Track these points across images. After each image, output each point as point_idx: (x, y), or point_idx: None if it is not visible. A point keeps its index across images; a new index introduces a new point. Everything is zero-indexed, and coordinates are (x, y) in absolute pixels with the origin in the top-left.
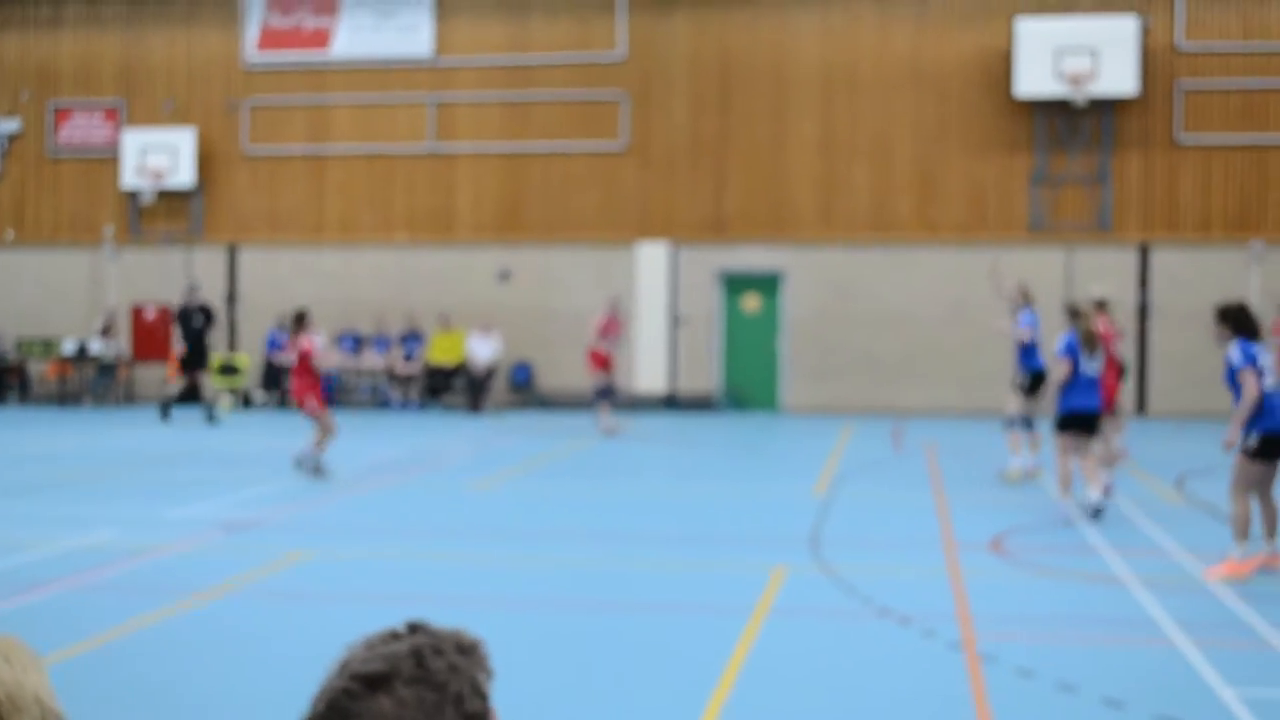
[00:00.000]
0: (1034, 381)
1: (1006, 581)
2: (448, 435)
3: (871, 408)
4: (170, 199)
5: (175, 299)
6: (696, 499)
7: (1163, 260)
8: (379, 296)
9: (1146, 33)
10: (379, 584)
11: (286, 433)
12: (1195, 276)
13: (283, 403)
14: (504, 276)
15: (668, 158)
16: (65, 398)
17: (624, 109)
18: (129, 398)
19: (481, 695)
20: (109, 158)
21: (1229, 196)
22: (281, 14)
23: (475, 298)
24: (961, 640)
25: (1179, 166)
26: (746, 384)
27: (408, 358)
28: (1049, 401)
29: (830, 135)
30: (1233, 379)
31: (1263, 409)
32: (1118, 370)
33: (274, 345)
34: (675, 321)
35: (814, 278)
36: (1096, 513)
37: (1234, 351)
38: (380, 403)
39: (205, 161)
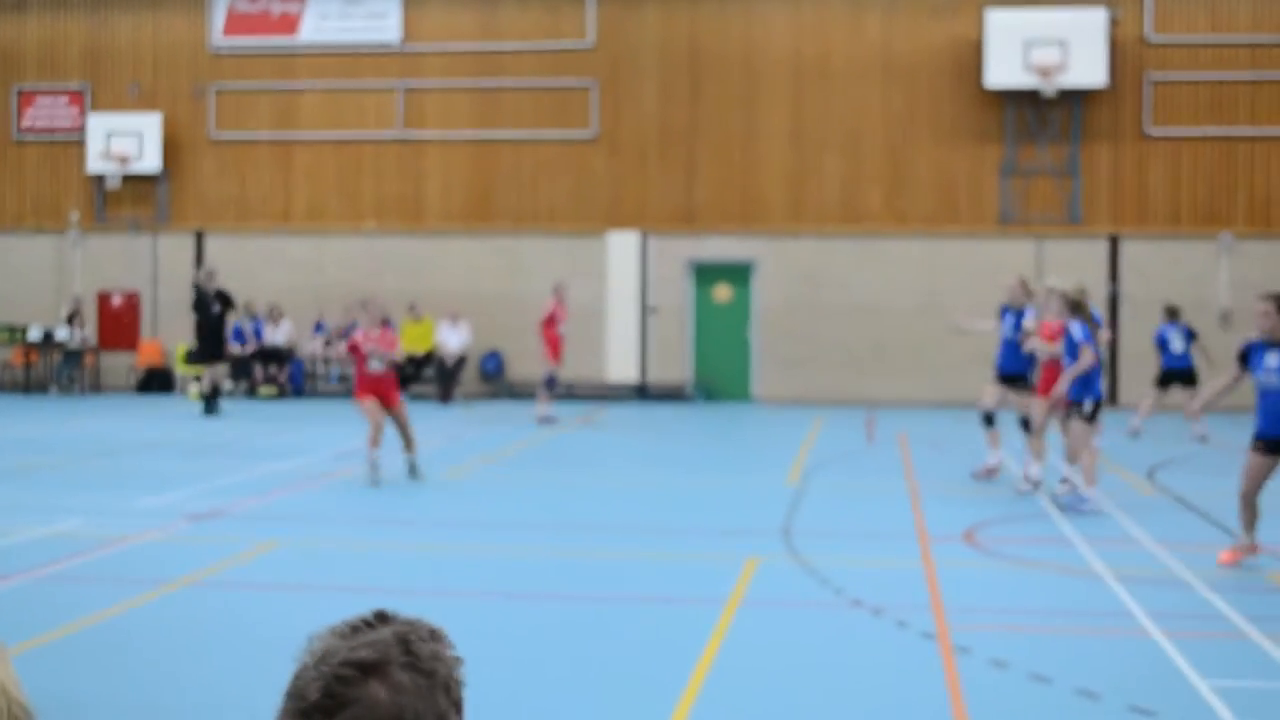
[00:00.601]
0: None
1: (980, 573)
2: (417, 424)
3: (843, 398)
4: (136, 185)
5: (184, 284)
6: (668, 490)
7: (1132, 252)
8: (348, 285)
9: (1115, 24)
10: (348, 575)
11: (254, 422)
12: (1165, 268)
13: (251, 392)
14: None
15: (638, 147)
16: (30, 385)
17: (594, 97)
18: (95, 385)
19: (460, 682)
20: (74, 142)
21: (1198, 189)
22: None
23: (444, 286)
24: (935, 631)
25: (1148, 158)
26: (718, 374)
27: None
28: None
29: (801, 125)
30: None
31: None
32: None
33: (238, 335)
34: (646, 312)
35: (785, 268)
36: (1037, 486)
37: None
38: (349, 391)
39: (171, 147)
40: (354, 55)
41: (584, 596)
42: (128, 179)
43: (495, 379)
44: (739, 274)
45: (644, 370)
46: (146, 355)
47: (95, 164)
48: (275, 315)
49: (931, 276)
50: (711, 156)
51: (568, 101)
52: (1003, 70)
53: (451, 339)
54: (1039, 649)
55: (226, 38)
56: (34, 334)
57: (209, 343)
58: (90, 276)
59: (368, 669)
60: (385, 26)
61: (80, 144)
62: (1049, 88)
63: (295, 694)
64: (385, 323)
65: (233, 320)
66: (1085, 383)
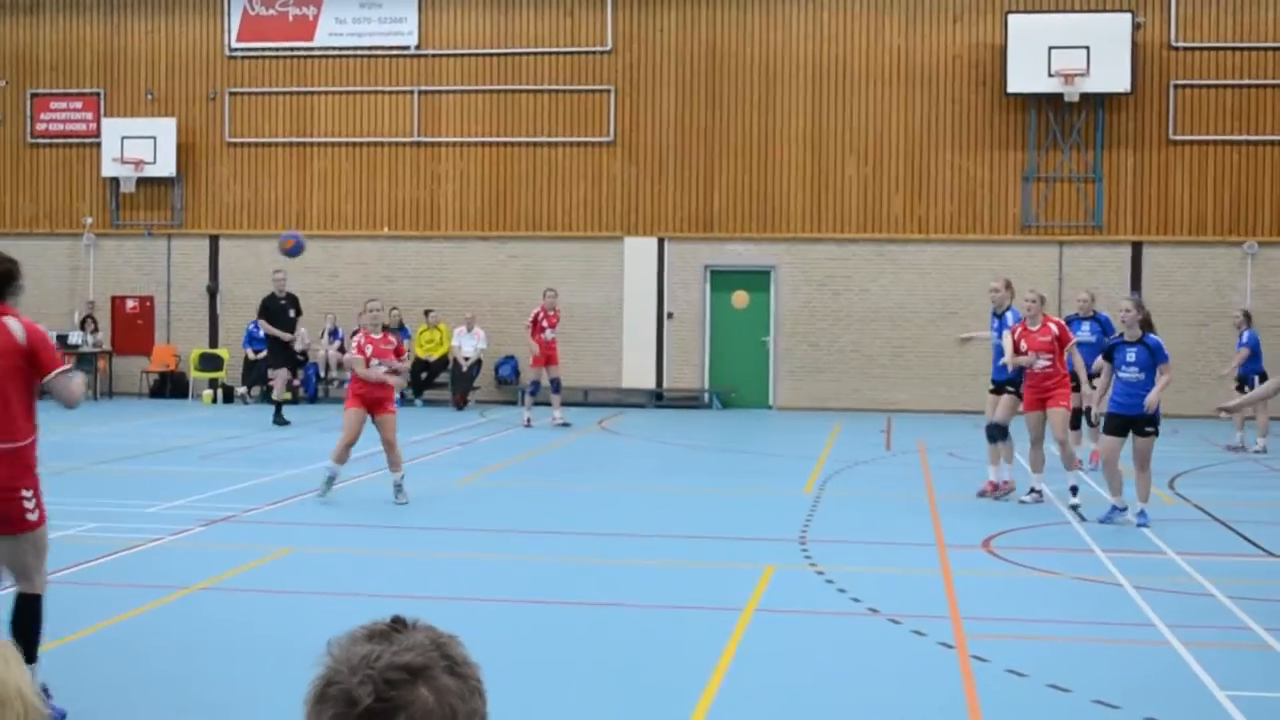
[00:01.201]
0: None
1: (998, 582)
2: (433, 429)
3: (861, 405)
4: (151, 189)
5: (262, 286)
6: (685, 496)
7: (1155, 259)
8: (362, 290)
9: (1139, 29)
10: (363, 581)
11: (270, 427)
12: (1189, 276)
13: (264, 397)
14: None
15: (656, 152)
16: (44, 390)
17: (611, 102)
18: (108, 390)
19: (484, 687)
20: (89, 146)
21: (1223, 195)
22: (264, 3)
23: (460, 291)
24: (953, 640)
25: (1172, 164)
26: (735, 381)
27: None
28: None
29: (820, 131)
30: None
31: None
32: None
33: (253, 339)
34: (663, 317)
35: (803, 274)
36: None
37: None
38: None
39: (186, 151)
40: (370, 59)
41: (600, 603)
42: (142, 183)
43: (510, 384)
44: (757, 280)
45: (660, 376)
46: (160, 360)
47: (110, 168)
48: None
49: (952, 283)
50: (730, 161)
51: (585, 106)
52: (1025, 75)
53: (467, 344)
54: (1057, 659)
55: (242, 42)
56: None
57: (281, 348)
58: (104, 281)
59: (415, 672)
60: (402, 31)
61: (95, 148)
62: (1072, 93)
63: (338, 698)
64: (388, 329)
65: (301, 327)
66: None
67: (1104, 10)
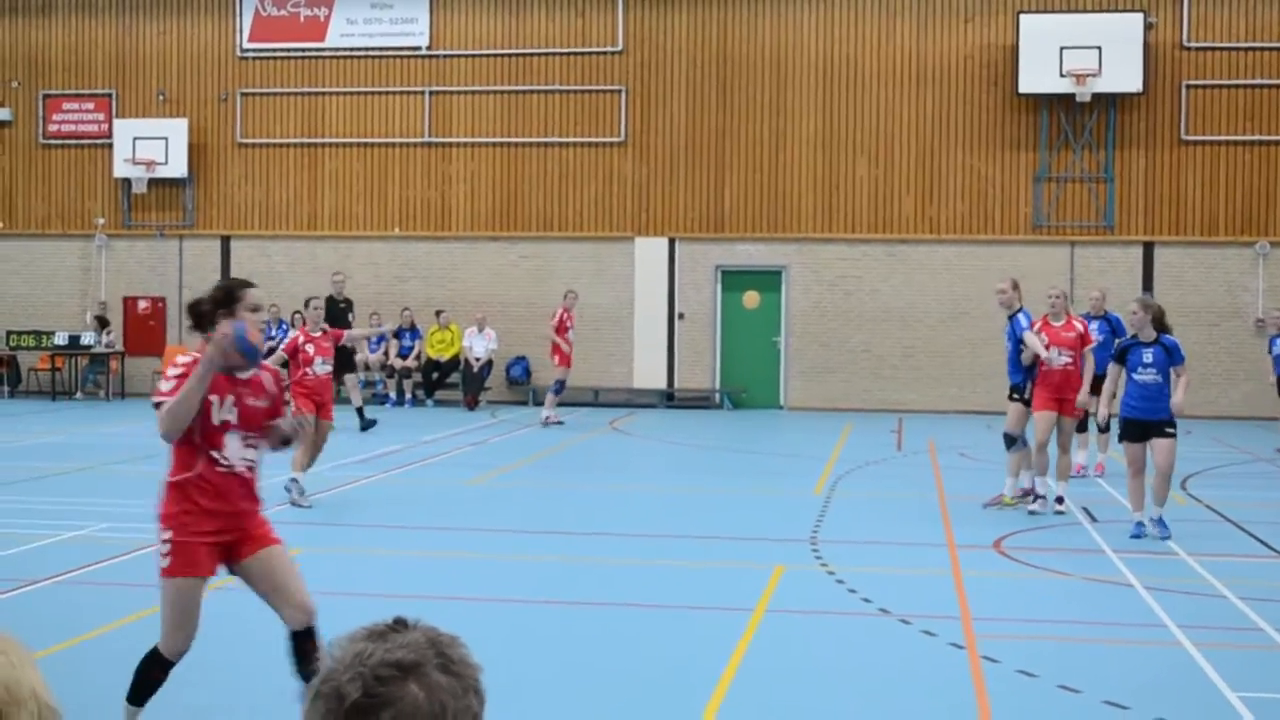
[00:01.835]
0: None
1: (1009, 582)
2: (444, 429)
3: (872, 406)
4: (162, 189)
5: (315, 289)
6: (696, 497)
7: (1167, 259)
8: (374, 290)
9: (1150, 29)
10: (372, 581)
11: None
12: (1200, 276)
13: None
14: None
15: (667, 152)
16: (56, 391)
17: (622, 102)
18: (120, 391)
19: (483, 692)
20: (101, 146)
21: (1235, 195)
22: (276, 4)
23: (471, 292)
24: (963, 641)
25: (1184, 165)
26: (746, 381)
27: (403, 354)
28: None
29: (831, 131)
30: None
31: None
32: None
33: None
34: (674, 318)
35: (814, 274)
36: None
37: None
38: (376, 397)
39: (197, 151)
40: (381, 59)
41: (610, 604)
42: (154, 184)
43: (521, 385)
44: (768, 280)
45: (671, 377)
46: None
47: (121, 169)
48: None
49: (963, 283)
50: (741, 161)
51: (596, 106)
52: (1037, 75)
53: (478, 345)
54: (1067, 659)
55: (253, 43)
56: (60, 339)
57: (342, 354)
58: (116, 281)
59: (406, 669)
60: (413, 31)
61: (106, 149)
62: (1083, 93)
63: (329, 695)
64: (326, 330)
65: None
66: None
67: (1116, 10)
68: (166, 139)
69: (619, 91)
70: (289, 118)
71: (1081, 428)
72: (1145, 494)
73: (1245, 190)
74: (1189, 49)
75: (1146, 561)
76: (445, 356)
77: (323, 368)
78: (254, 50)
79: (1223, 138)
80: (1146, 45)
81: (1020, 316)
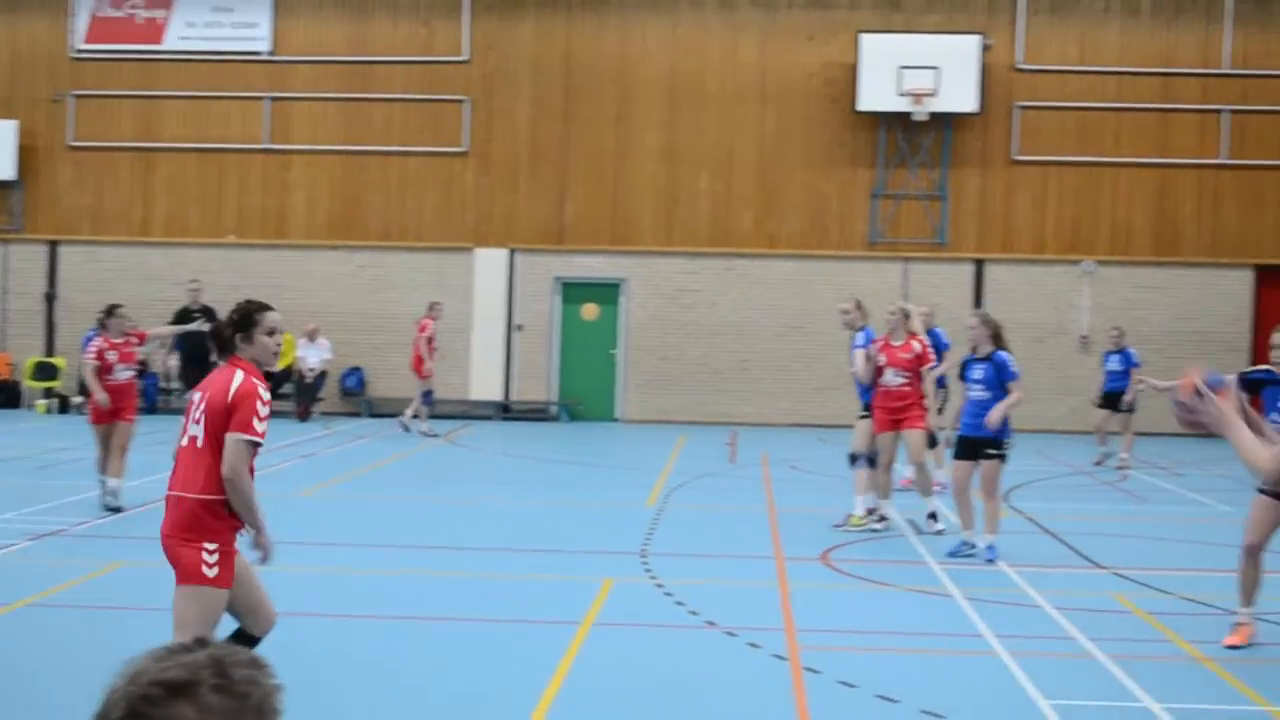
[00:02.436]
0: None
1: (834, 594)
2: (274, 441)
3: (707, 418)
4: None
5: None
6: (527, 509)
7: (997, 276)
8: (207, 299)
9: (987, 51)
10: None
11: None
12: (1028, 293)
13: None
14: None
15: (509, 163)
16: None
17: (466, 113)
18: None
19: (276, 710)
20: None
21: (1063, 215)
22: (113, 4)
23: (308, 301)
24: (786, 652)
25: (1015, 184)
26: (583, 393)
27: None
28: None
29: (674, 145)
30: None
31: None
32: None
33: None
34: (512, 329)
35: (653, 287)
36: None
37: None
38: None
39: (27, 154)
40: (221, 64)
41: (435, 617)
42: None
43: (356, 396)
44: (607, 292)
45: (508, 388)
46: None
47: None
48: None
49: (800, 299)
50: (583, 174)
51: (440, 116)
52: (876, 94)
53: (311, 355)
54: (888, 670)
55: (88, 44)
56: None
57: (196, 365)
58: None
59: (176, 689)
60: (255, 36)
61: None
62: (920, 112)
63: (101, 714)
64: (128, 335)
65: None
66: (1004, 420)
67: (955, 32)
68: None
69: (463, 102)
70: (123, 121)
71: (933, 443)
72: (974, 513)
73: (1073, 210)
74: (1023, 71)
75: (967, 573)
76: (278, 367)
77: (124, 373)
78: (89, 51)
79: (1052, 158)
80: (983, 66)
81: (860, 335)
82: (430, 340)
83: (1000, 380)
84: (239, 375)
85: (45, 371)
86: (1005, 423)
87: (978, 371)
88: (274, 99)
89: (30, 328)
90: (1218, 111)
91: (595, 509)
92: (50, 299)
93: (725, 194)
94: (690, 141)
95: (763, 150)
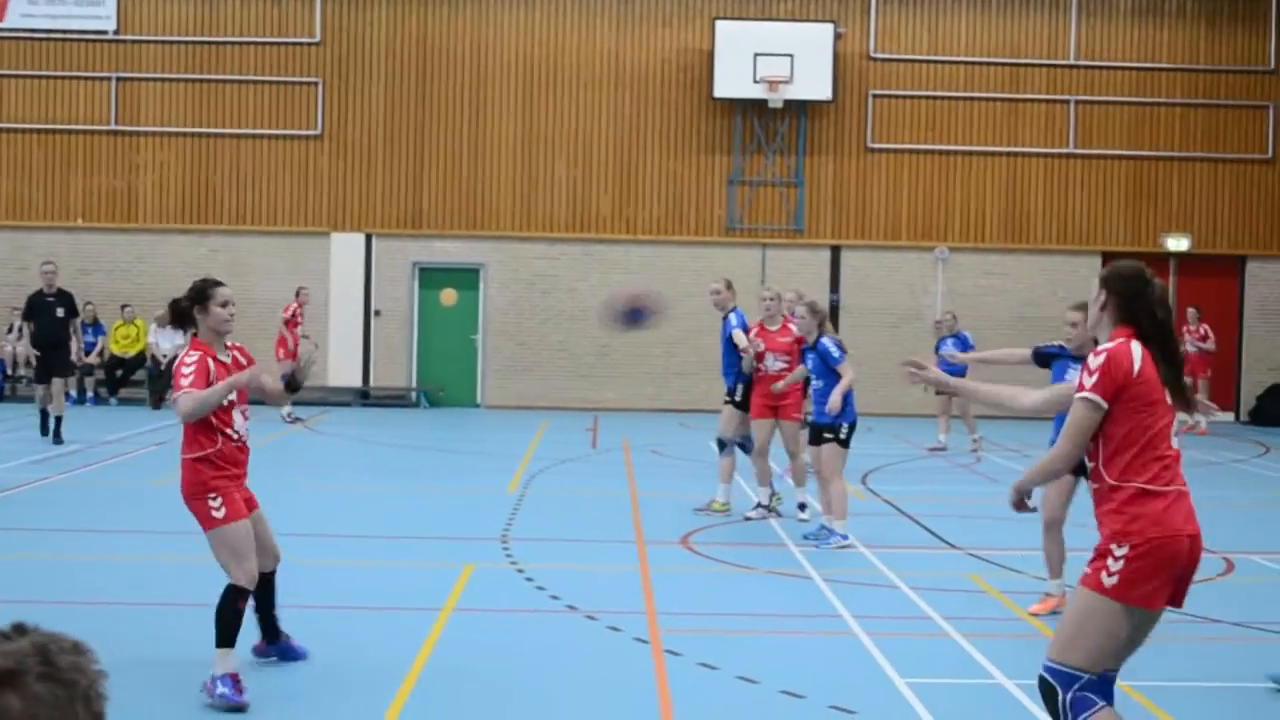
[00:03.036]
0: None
1: (694, 577)
2: (127, 429)
3: (569, 404)
4: None
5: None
6: (387, 496)
7: (853, 262)
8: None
9: (839, 39)
10: (42, 587)
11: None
12: (883, 278)
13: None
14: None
15: (364, 147)
16: None
17: (319, 95)
18: None
19: (103, 695)
20: None
21: (916, 202)
22: None
23: (159, 286)
24: (647, 635)
25: (869, 171)
26: (443, 379)
27: (86, 350)
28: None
29: (531, 130)
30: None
31: None
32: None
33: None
34: (370, 314)
35: (512, 273)
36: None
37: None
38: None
39: None
40: (65, 42)
41: (293, 605)
42: None
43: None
44: (466, 278)
45: (367, 374)
46: None
47: None
48: None
49: (659, 283)
50: (440, 158)
51: (292, 98)
52: (731, 81)
53: (164, 341)
54: (748, 651)
55: None
56: None
57: (56, 354)
58: None
59: (1, 679)
60: (99, 15)
61: None
62: (776, 99)
63: None
64: None
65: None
66: (845, 403)
67: (808, 19)
68: None
69: (315, 84)
70: None
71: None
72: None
73: (926, 197)
74: (876, 60)
75: (825, 555)
76: (130, 353)
77: None
78: None
79: (906, 146)
80: (836, 55)
81: (732, 316)
82: (292, 321)
83: (827, 366)
84: (182, 353)
85: None
86: (847, 406)
87: (809, 361)
88: (120, 79)
89: None
90: (1065, 102)
91: (456, 495)
92: None
93: (583, 179)
94: (548, 126)
95: (620, 135)
